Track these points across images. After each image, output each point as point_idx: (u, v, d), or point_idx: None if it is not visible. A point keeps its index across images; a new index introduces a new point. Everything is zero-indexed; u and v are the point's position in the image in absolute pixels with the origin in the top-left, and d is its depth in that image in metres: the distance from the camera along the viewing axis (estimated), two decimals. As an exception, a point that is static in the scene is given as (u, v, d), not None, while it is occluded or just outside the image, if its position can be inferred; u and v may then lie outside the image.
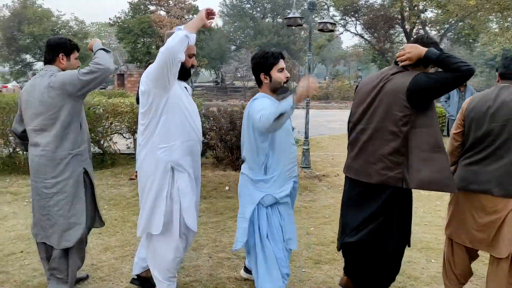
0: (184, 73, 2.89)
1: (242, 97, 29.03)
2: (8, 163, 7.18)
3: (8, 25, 37.00)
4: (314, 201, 5.70)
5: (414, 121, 2.50)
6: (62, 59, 2.98)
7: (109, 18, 32.37)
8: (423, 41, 2.63)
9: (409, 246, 2.80)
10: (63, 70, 2.97)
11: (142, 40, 31.82)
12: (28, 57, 40.60)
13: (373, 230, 2.64)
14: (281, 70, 2.88)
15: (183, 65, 2.78)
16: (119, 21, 32.44)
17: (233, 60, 41.81)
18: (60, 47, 2.98)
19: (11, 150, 7.31)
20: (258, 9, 48.64)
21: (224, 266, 3.63)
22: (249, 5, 48.45)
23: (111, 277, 3.39)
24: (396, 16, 29.27)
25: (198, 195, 3.04)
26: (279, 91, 2.90)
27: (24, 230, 4.38)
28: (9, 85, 30.00)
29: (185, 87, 2.98)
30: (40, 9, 37.94)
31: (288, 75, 2.90)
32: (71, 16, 41.42)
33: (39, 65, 40.73)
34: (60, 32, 37.66)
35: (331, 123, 15.85)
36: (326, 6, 10.00)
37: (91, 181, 3.08)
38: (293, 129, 3.06)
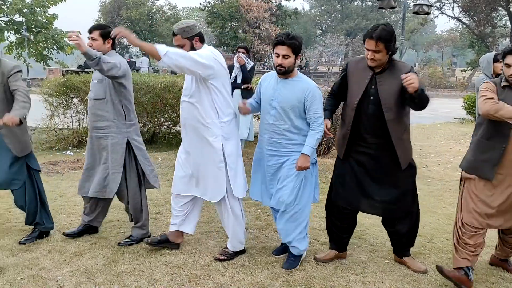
0: None
1: (326, 83, 28.55)
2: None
3: (109, 10, 39.75)
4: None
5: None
6: None
7: (200, 3, 33.40)
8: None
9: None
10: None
11: (229, 24, 32.45)
12: (125, 41, 43.29)
13: None
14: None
15: None
16: (209, 5, 33.34)
17: (318, 45, 41.19)
18: None
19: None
20: (347, -9, 47.22)
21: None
22: (337, -12, 47.23)
23: (197, 251, 3.57)
24: (500, -3, 26.80)
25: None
26: None
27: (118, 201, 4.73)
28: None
29: None
30: (137, -5, 40.17)
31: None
32: (165, 1, 43.28)
33: (135, 48, 43.30)
34: (154, 17, 39.69)
35: (420, 112, 15.03)
36: (422, -12, 9.41)
37: None
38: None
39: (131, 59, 29.51)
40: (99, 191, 3.59)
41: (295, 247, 3.28)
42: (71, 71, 18.20)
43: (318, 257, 3.44)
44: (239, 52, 6.81)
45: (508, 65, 2.89)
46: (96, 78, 3.54)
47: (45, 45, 22.36)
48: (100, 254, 3.46)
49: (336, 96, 3.41)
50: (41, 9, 22.77)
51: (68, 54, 23.06)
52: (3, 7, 22.46)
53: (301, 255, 3.38)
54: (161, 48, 2.94)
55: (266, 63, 36.61)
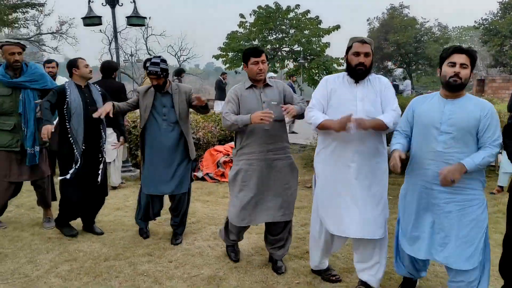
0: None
1: None
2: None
3: (376, 35, 40.84)
4: None
5: None
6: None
7: (474, 21, 30.89)
8: None
9: None
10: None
11: (510, 42, 28.82)
12: (390, 64, 43.64)
13: None
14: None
15: None
16: (485, 23, 30.45)
17: None
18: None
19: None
20: None
21: None
22: None
23: None
24: None
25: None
26: None
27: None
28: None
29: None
30: (406, 18, 40.00)
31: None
32: (435, 22, 41.51)
33: (399, 71, 43.21)
34: (422, 39, 38.70)
35: None
36: None
37: None
38: None
39: (394, 82, 29.50)
40: (283, 214, 3.45)
41: None
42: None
43: None
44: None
45: None
46: (275, 100, 3.41)
47: (317, 71, 24.66)
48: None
49: None
50: (316, 38, 25.32)
51: (335, 79, 24.89)
52: (286, 39, 26.04)
53: None
54: (387, 120, 2.89)
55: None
